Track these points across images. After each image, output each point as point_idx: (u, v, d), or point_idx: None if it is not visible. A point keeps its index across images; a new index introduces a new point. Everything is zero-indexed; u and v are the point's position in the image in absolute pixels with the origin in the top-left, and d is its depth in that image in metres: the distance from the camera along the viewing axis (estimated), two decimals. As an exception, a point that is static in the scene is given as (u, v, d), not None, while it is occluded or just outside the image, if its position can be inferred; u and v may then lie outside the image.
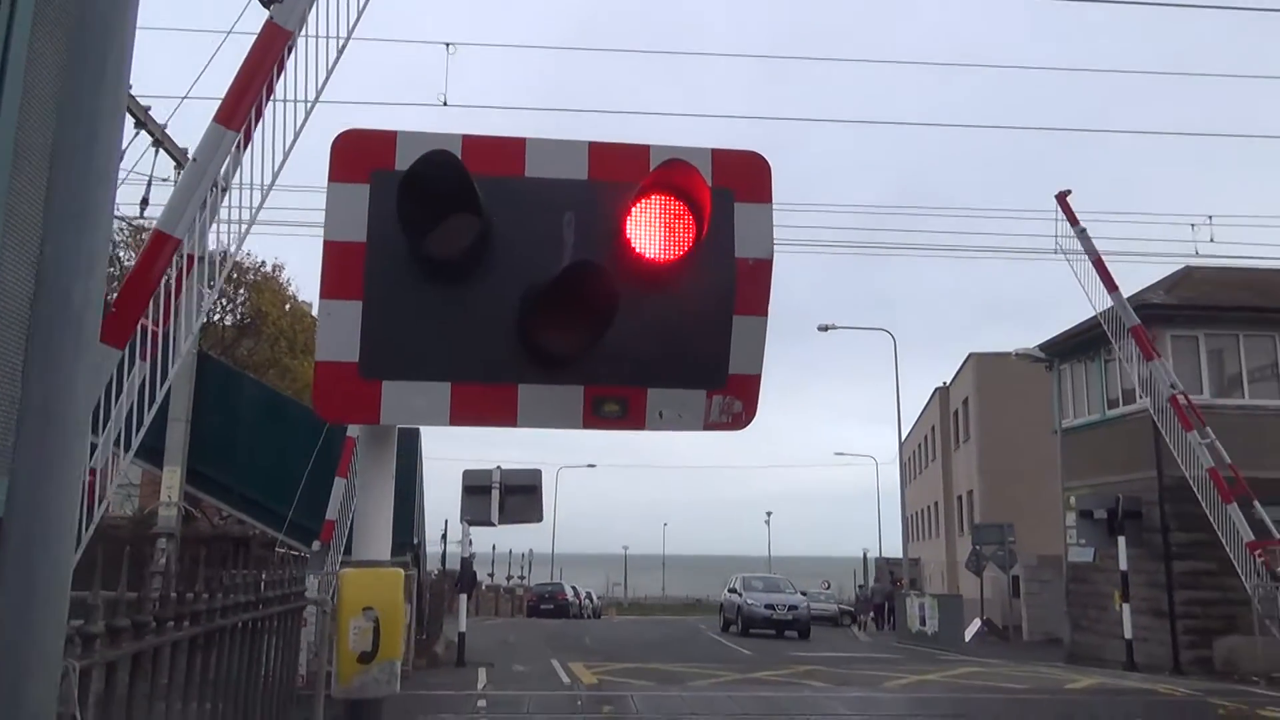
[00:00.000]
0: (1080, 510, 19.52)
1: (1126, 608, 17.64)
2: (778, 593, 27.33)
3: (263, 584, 4.24)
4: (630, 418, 2.81)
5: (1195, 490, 17.12)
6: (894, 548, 44.72)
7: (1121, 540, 18.09)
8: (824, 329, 37.55)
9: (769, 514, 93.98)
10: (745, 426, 2.98)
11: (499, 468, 15.59)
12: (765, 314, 2.90)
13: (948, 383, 47.17)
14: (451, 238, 2.59)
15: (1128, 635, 17.46)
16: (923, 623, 25.42)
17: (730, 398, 2.89)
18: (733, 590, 28.42)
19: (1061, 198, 19.96)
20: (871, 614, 38.46)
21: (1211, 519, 16.70)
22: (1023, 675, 15.47)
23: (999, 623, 30.14)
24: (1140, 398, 20.15)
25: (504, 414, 2.71)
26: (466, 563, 17.38)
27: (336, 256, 2.67)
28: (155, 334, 6.79)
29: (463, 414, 2.70)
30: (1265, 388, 19.92)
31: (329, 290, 2.69)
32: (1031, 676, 15.23)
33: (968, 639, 26.38)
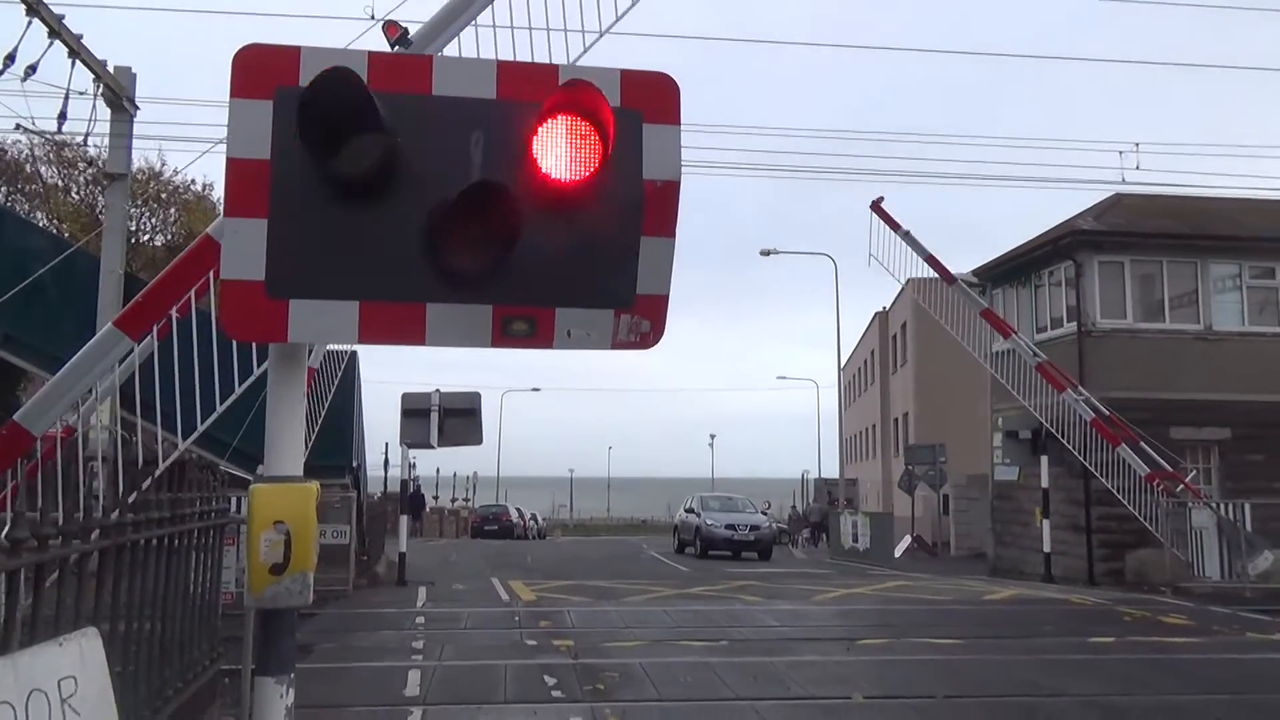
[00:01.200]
0: (1006, 431, 20.19)
1: (1046, 523, 18.43)
2: (737, 512, 26.25)
3: (181, 502, 4.28)
4: (539, 336, 2.87)
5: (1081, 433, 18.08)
6: (833, 469, 45.82)
7: (1044, 459, 18.78)
8: (766, 253, 37.77)
9: (712, 436, 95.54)
10: (653, 345, 3.06)
11: (438, 390, 15.60)
12: (673, 235, 2.96)
13: (887, 308, 47.94)
14: (357, 156, 2.59)
15: (1046, 549, 18.28)
16: (855, 540, 26.25)
17: (638, 317, 2.96)
18: (690, 510, 27.16)
19: (876, 205, 20.43)
20: (808, 532, 39.57)
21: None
22: (946, 588, 16.14)
23: (929, 539, 31.28)
24: (1066, 324, 20.75)
25: (413, 332, 2.75)
26: (406, 485, 17.46)
27: (240, 174, 2.66)
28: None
29: (371, 332, 2.73)
30: (1185, 313, 20.59)
31: (234, 208, 2.69)
32: (955, 589, 15.90)
33: (898, 555, 27.34)
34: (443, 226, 2.62)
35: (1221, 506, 16.84)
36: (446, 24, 7.41)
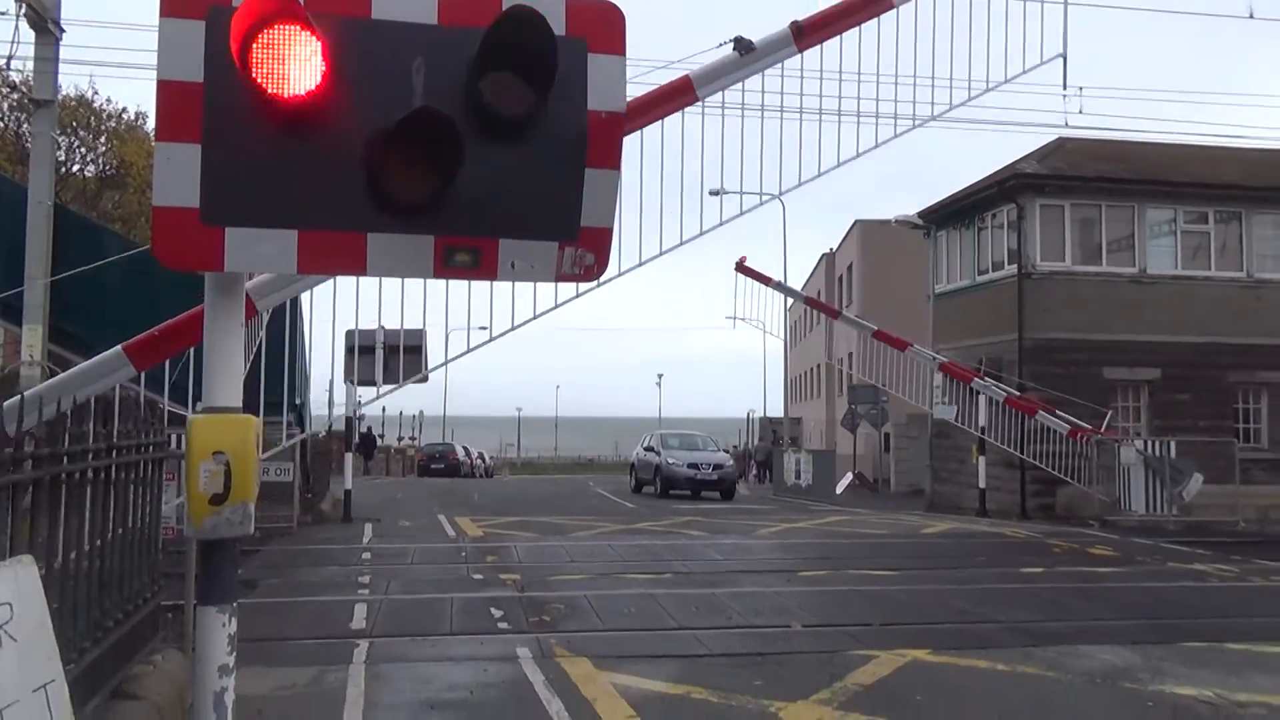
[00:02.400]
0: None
1: (982, 461, 18.96)
2: (699, 450, 25.67)
3: (118, 434, 4.21)
4: (482, 268, 2.86)
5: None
6: (778, 409, 46.40)
7: (981, 398, 19.23)
8: (714, 194, 37.60)
9: (660, 376, 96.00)
10: (597, 278, 3.07)
11: (383, 328, 15.41)
12: (617, 167, 2.95)
13: (834, 249, 48.24)
14: (294, 79, 2.52)
15: (981, 485, 18.84)
16: (798, 477, 26.75)
17: (582, 250, 2.95)
18: (649, 449, 26.42)
19: (741, 265, 20.72)
20: (754, 470, 40.20)
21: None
22: (885, 522, 16.59)
23: (870, 476, 31.99)
24: (1007, 266, 21.10)
25: (353, 262, 2.72)
26: (352, 423, 17.31)
27: (172, 97, 2.58)
28: None
29: (310, 261, 2.69)
30: (1122, 257, 21.05)
31: (166, 132, 2.61)
32: (892, 523, 16.35)
33: (839, 491, 27.97)
34: (383, 155, 2.57)
35: (1148, 444, 17.46)
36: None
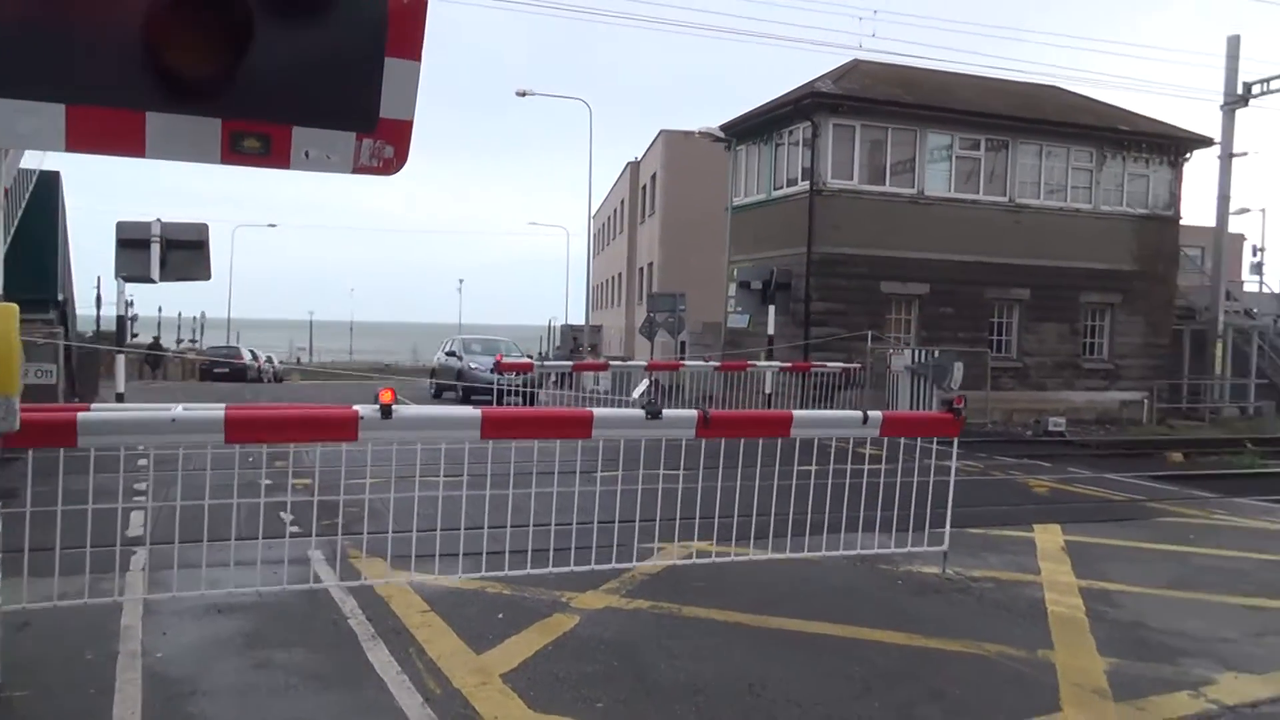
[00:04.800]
0: (740, 281, 21.48)
1: (770, 367, 20.05)
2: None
3: None
4: (274, 155, 2.75)
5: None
6: (580, 317, 46.82)
7: (771, 309, 20.23)
8: (521, 94, 36.90)
9: (461, 281, 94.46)
10: (396, 171, 3.02)
11: (159, 220, 14.30)
12: (418, 59, 2.88)
13: (639, 158, 48.54)
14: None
15: (768, 390, 19.94)
16: (597, 384, 27.26)
17: (381, 142, 2.89)
18: (451, 354, 26.43)
19: None
20: (553, 377, 40.53)
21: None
22: (678, 426, 17.30)
23: (665, 383, 33.03)
24: (800, 183, 22.02)
25: (130, 143, 2.55)
26: (124, 322, 16.11)
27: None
28: None
29: (81, 140, 2.50)
30: (904, 178, 22.44)
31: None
32: (685, 427, 17.08)
33: (635, 396, 28.75)
34: (164, 24, 2.40)
35: (915, 353, 19.02)
36: None
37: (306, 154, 2.78)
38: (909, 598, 6.78)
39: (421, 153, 3.03)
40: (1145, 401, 24.96)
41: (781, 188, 23.02)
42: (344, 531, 7.27)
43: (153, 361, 37.59)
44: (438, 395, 26.42)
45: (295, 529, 7.29)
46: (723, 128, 25.16)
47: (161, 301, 56.72)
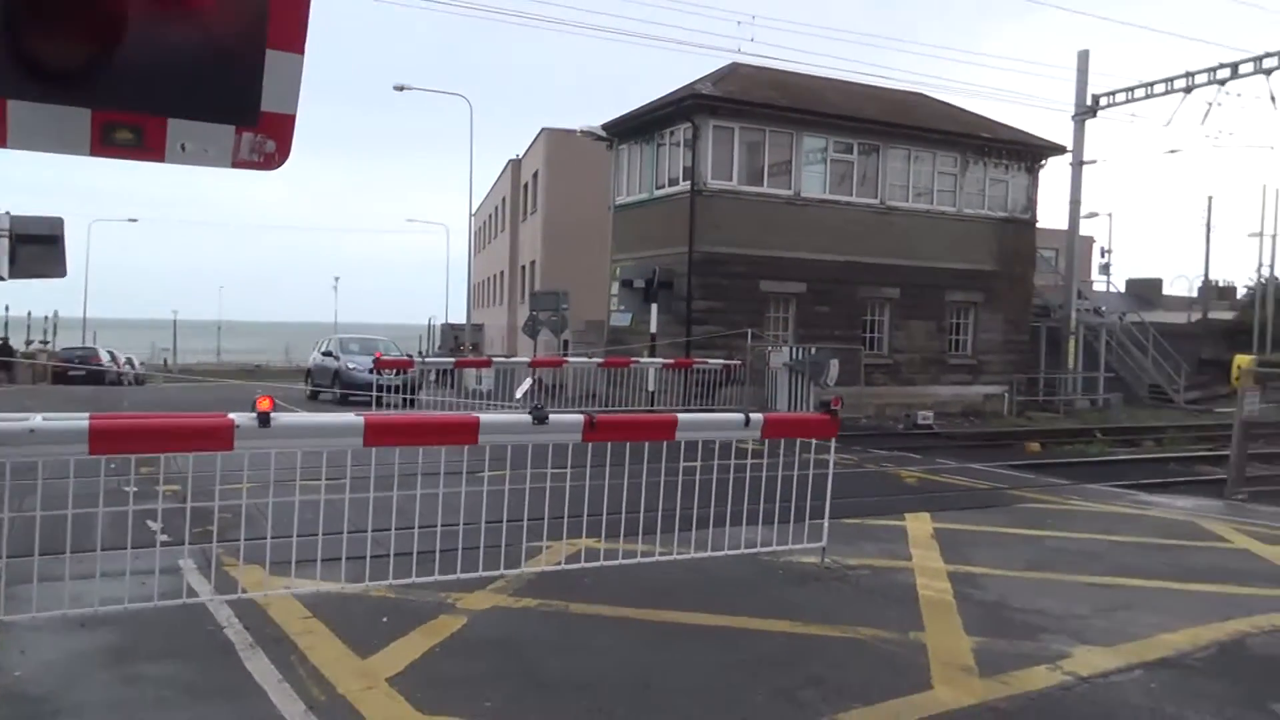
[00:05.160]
0: (623, 280, 21.62)
1: (653, 364, 20.28)
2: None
3: None
4: (147, 148, 2.64)
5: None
6: (462, 315, 46.19)
7: (654, 307, 20.44)
8: (400, 89, 36.18)
9: (337, 279, 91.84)
10: (278, 167, 2.93)
11: (8, 213, 13.40)
12: (302, 51, 2.82)
13: (520, 156, 48.21)
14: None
15: (651, 388, 20.16)
16: (479, 382, 26.98)
17: (262, 136, 2.81)
18: (327, 354, 25.94)
19: None
20: (434, 375, 39.87)
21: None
22: (563, 424, 17.29)
23: (548, 382, 32.93)
24: (682, 183, 22.31)
25: (-11, 132, 2.41)
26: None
27: None
28: None
29: (-67, 127, 2.36)
30: (781, 180, 22.99)
31: None
32: (570, 425, 17.09)
33: (518, 395, 28.58)
34: (27, 9, 2.29)
35: (793, 350, 19.54)
36: None
37: (183, 147, 2.68)
38: (790, 587, 6.99)
39: (299, 148, 2.96)
40: (1006, 395, 26.31)
41: (663, 187, 23.27)
42: (219, 539, 7.02)
43: (1, 364, 35.29)
44: (314, 396, 25.60)
45: (165, 538, 6.99)
46: (605, 127, 25.26)
47: (9, 300, 53.26)
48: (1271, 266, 45.39)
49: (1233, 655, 5.72)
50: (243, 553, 6.64)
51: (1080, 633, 6.03)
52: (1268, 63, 24.58)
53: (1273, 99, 24.50)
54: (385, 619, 5.91)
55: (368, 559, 6.24)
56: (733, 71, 24.66)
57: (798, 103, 23.34)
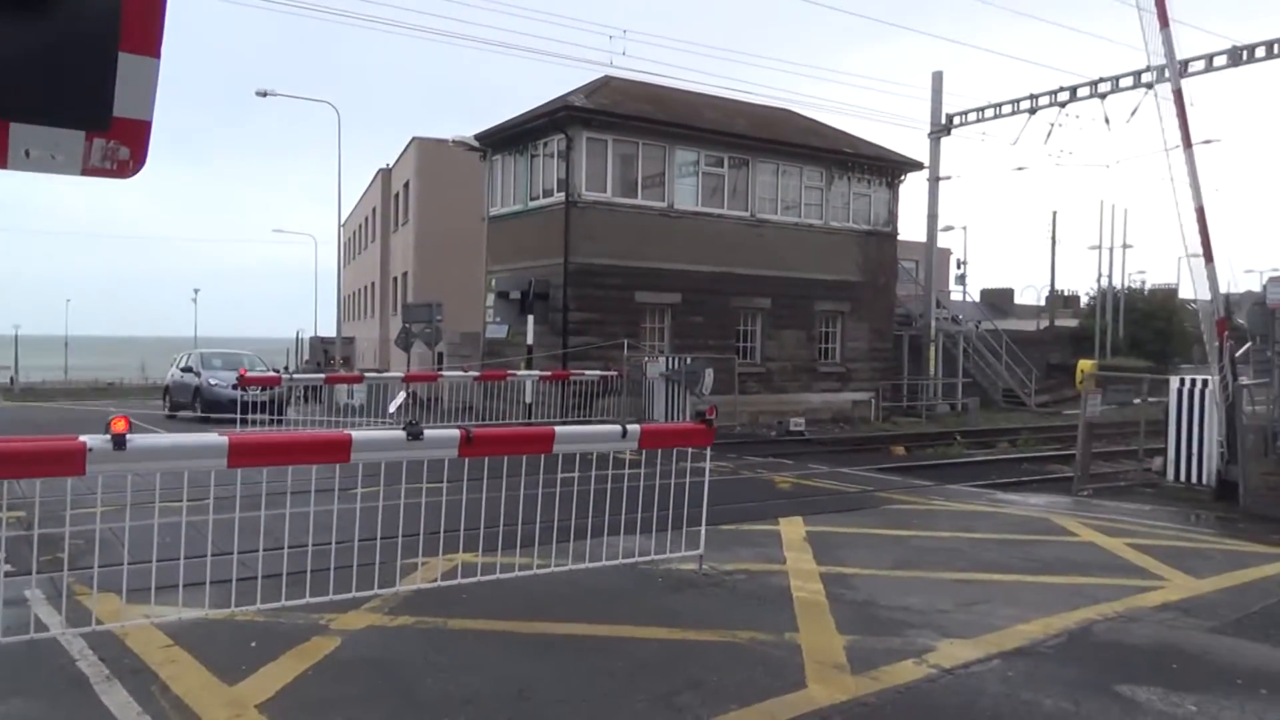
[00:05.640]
0: (498, 291, 21.46)
1: (530, 376, 20.19)
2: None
3: None
4: (-13, 153, 2.49)
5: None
6: (332, 327, 44.82)
7: (530, 318, 20.35)
8: (262, 94, 34.93)
9: (196, 291, 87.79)
10: (133, 175, 2.81)
11: None
12: (157, 55, 2.71)
13: (390, 165, 47.26)
14: None
15: (528, 399, 20.06)
16: (351, 397, 26.27)
17: (115, 143, 2.69)
18: (186, 369, 24.79)
19: None
20: (303, 392, 38.58)
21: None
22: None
23: (423, 396, 32.33)
24: (556, 194, 22.32)
25: None
26: None
27: None
28: None
29: None
30: (654, 192, 23.27)
31: None
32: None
33: (392, 411, 27.96)
34: None
35: (668, 360, 19.78)
36: None
37: (27, 153, 2.54)
38: (668, 594, 7.07)
39: (157, 155, 2.85)
40: (873, 401, 27.30)
41: (538, 198, 23.23)
42: (70, 566, 6.62)
43: None
44: (173, 415, 24.48)
45: (9, 568, 6.54)
46: (478, 137, 25.03)
47: None
48: (1110, 277, 48.73)
49: (1081, 642, 6.10)
50: (96, 580, 6.26)
51: (944, 627, 6.31)
52: (1102, 87, 26.37)
53: (1106, 121, 26.32)
54: (254, 644, 5.69)
55: (234, 582, 5.99)
56: (606, 84, 24.84)
57: (670, 116, 23.70)
